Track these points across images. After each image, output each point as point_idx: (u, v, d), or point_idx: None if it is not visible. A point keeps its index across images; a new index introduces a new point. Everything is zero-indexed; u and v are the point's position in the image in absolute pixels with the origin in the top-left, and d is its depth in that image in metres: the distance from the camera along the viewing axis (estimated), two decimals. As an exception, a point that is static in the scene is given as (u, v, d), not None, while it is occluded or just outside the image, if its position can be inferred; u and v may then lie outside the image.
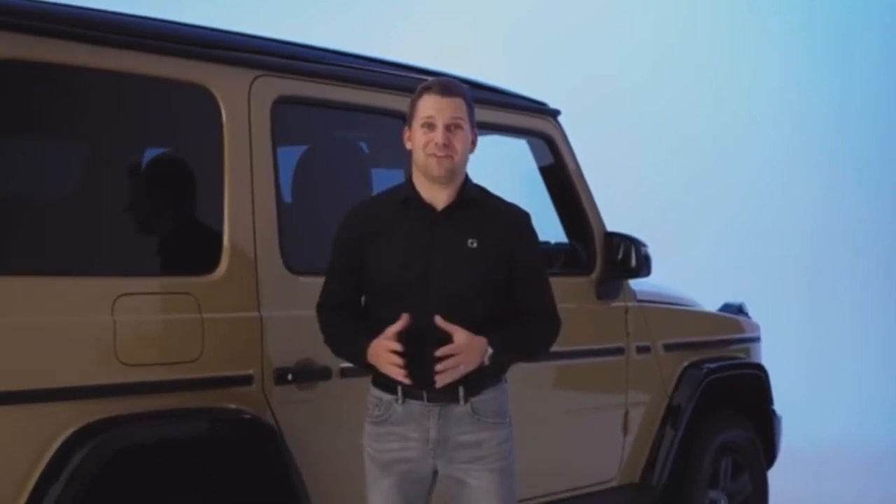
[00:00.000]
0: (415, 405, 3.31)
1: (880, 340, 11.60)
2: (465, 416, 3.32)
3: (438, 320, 3.22)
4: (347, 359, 3.43)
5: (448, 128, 3.32)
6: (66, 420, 3.08)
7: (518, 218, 3.45)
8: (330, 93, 3.95)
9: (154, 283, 3.36)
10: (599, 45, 12.26)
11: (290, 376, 3.59)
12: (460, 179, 3.40)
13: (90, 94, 3.33)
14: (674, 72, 12.28)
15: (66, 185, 3.40)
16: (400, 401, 3.31)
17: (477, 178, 4.34)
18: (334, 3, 12.56)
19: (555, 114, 4.89)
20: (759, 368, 5.80)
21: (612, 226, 5.08)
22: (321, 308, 3.42)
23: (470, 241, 3.34)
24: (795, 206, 12.04)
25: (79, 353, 3.15)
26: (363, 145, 4.44)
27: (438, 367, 3.20)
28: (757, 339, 5.98)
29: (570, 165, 4.91)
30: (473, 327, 3.26)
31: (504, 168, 4.96)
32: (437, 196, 3.36)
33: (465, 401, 3.32)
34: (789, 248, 11.93)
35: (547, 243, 5.02)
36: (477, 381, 3.32)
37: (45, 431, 3.05)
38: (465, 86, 3.46)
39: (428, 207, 3.37)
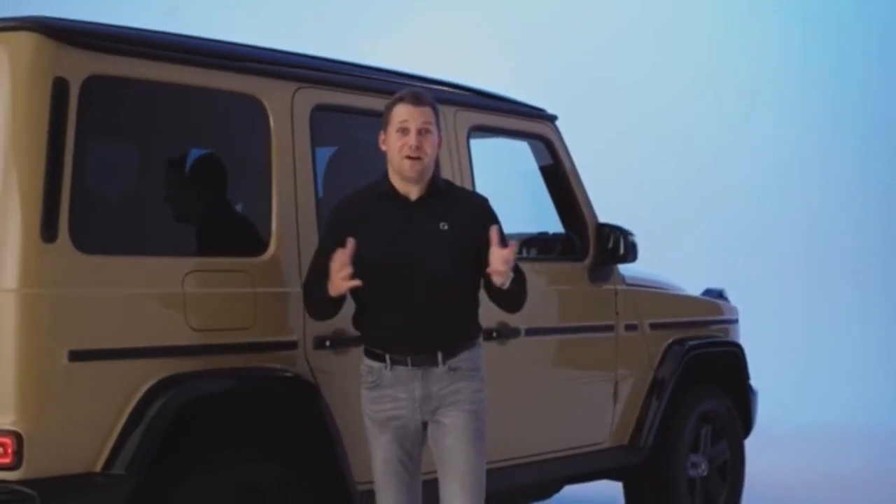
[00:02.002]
0: (401, 370, 3.83)
1: (877, 331, 11.92)
2: (443, 376, 3.84)
3: (494, 230, 3.74)
4: (319, 308, 3.90)
5: (420, 132, 3.83)
6: (148, 374, 3.71)
7: (480, 203, 4.00)
8: (358, 101, 4.58)
9: (216, 263, 3.97)
10: (600, 48, 12.62)
11: (327, 343, 4.21)
12: (429, 176, 3.89)
13: (162, 103, 3.97)
14: (673, 73, 12.61)
15: (142, 182, 4.04)
16: (388, 367, 3.83)
17: (484, 175, 4.97)
18: (337, 8, 12.99)
19: (552, 118, 5.52)
20: (737, 347, 6.39)
21: (612, 221, 5.62)
22: (305, 286, 3.95)
23: (442, 224, 3.84)
24: (794, 202, 12.34)
25: (157, 319, 3.78)
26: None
27: (505, 267, 3.69)
28: (735, 321, 6.57)
29: (566, 164, 5.53)
30: (447, 301, 3.83)
31: (508, 166, 5.58)
32: (411, 189, 3.88)
33: (443, 363, 3.84)
34: (788, 242, 12.24)
35: (546, 233, 5.64)
36: (453, 345, 3.86)
37: (132, 382, 3.68)
38: (431, 95, 3.99)
39: (403, 199, 3.88)
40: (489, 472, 3.98)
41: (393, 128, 3.85)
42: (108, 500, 3.58)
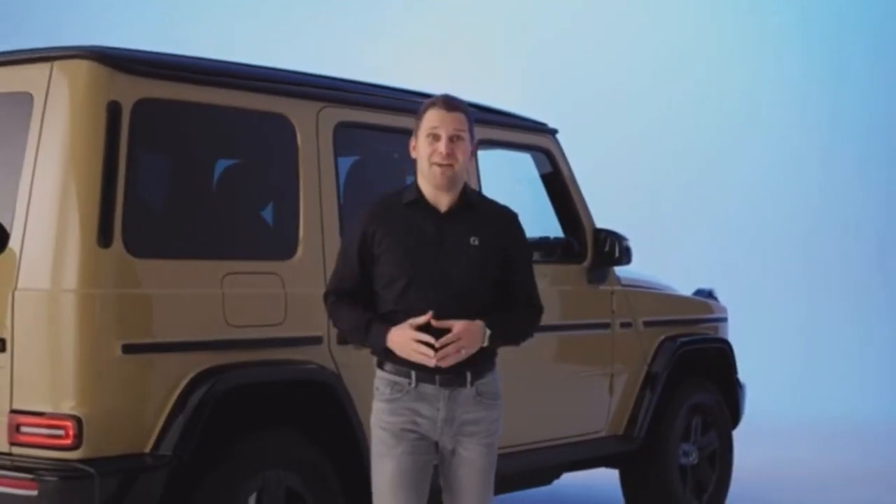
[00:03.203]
0: (427, 388, 3.67)
1: (874, 329, 12.13)
2: (469, 398, 3.70)
3: (433, 321, 3.56)
4: (359, 342, 3.80)
5: (451, 139, 3.66)
6: (191, 365, 4.15)
7: (511, 218, 3.84)
8: (376, 118, 5.02)
9: (250, 266, 4.41)
10: (603, 54, 12.92)
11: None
12: (461, 185, 3.74)
13: (203, 122, 4.41)
14: (673, 77, 12.86)
15: (185, 193, 4.47)
16: (413, 384, 3.67)
17: (490, 184, 5.36)
18: (337, 9, 13.29)
19: (553, 132, 5.95)
20: (725, 343, 6.80)
21: (617, 223, 6.07)
22: (329, 294, 3.82)
23: (472, 239, 3.69)
24: (793, 203, 12.55)
25: (199, 316, 4.22)
26: (398, 157, 5.48)
27: (440, 353, 3.55)
28: (724, 319, 6.98)
29: (566, 174, 5.96)
30: (473, 315, 3.63)
31: (512, 176, 6.00)
32: (441, 200, 3.72)
33: (472, 384, 3.69)
34: (787, 242, 12.46)
35: (547, 238, 6.06)
36: (480, 365, 3.71)
37: (177, 373, 4.12)
38: (465, 101, 3.84)
39: (433, 209, 3.72)
40: (502, 458, 4.31)
41: (423, 133, 3.70)
42: (156, 477, 4.01)
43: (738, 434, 7.00)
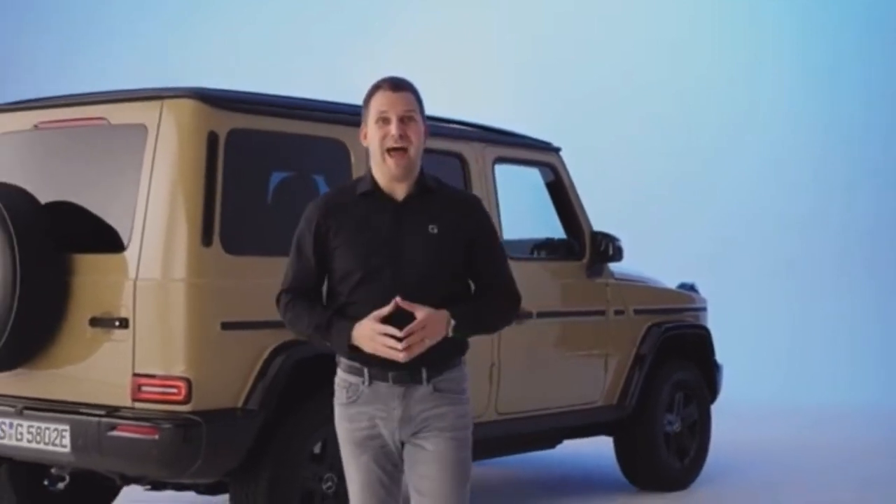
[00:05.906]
0: (381, 386, 3.45)
1: (865, 317, 12.51)
2: (427, 396, 3.46)
3: (399, 301, 3.34)
4: (318, 341, 3.55)
5: (402, 120, 3.43)
6: (272, 340, 5.18)
7: (472, 203, 3.61)
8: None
9: (315, 261, 5.49)
10: (600, 57, 13.42)
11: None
12: (417, 171, 3.51)
13: (280, 146, 5.49)
14: (670, 79, 13.29)
15: (267, 202, 5.55)
16: (366, 383, 3.46)
17: (505, 194, 6.35)
18: (337, 10, 13.88)
19: (557, 150, 7.02)
20: (705, 329, 7.80)
21: (610, 223, 7.04)
22: (283, 294, 3.62)
23: (431, 227, 3.47)
24: (786, 198, 12.91)
25: (272, 300, 5.27)
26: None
27: (403, 343, 3.31)
28: (704, 309, 7.96)
29: (568, 184, 7.00)
30: (436, 306, 3.40)
31: (523, 188, 7.05)
32: (397, 188, 3.50)
33: (428, 381, 3.46)
34: (778, 238, 12.84)
35: (551, 238, 7.09)
36: (439, 362, 3.47)
37: (261, 345, 5.17)
38: (412, 81, 3.57)
39: (389, 199, 3.50)
40: (515, 421, 5.11)
41: (372, 119, 3.47)
42: (247, 426, 5.10)
43: (721, 415, 7.82)
